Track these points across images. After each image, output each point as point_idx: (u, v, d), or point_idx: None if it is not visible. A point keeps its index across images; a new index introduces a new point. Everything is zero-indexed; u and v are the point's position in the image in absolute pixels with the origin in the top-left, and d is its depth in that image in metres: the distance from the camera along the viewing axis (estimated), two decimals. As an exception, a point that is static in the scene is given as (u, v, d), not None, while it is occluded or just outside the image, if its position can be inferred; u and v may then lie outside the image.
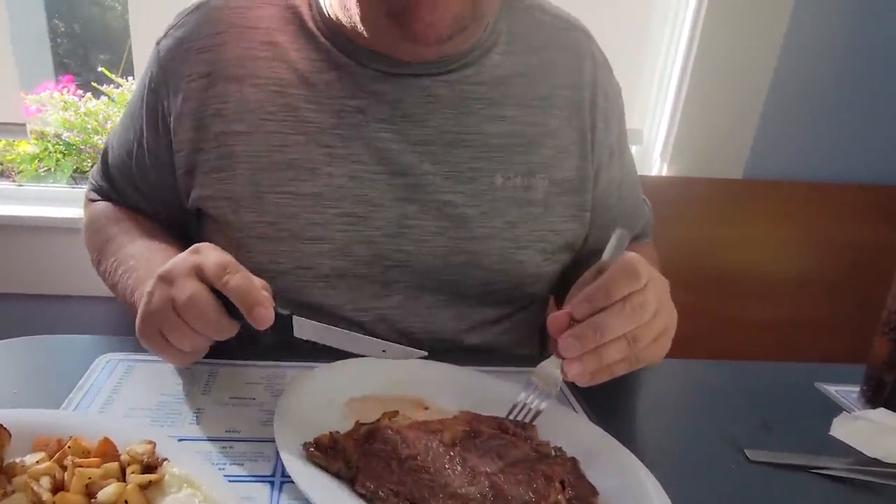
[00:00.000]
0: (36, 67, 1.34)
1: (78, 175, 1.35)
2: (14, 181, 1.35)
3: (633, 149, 1.22)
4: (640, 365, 0.49)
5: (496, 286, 0.66)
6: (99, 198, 0.76)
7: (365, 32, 0.58)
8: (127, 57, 1.34)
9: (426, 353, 0.50)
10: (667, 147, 1.16)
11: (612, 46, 1.05)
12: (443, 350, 0.60)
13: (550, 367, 0.50)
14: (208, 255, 0.49)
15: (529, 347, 0.77)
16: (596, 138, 0.68)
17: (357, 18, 0.57)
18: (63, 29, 1.63)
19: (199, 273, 0.48)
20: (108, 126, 1.28)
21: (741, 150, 1.16)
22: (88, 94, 1.33)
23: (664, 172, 1.17)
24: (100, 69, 1.34)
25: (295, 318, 0.49)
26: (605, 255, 0.51)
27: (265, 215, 0.61)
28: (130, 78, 1.33)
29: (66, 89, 1.34)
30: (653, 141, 1.20)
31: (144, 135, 0.67)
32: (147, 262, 0.60)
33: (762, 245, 1.18)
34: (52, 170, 1.34)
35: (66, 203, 1.24)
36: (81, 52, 1.73)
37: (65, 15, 1.61)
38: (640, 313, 0.47)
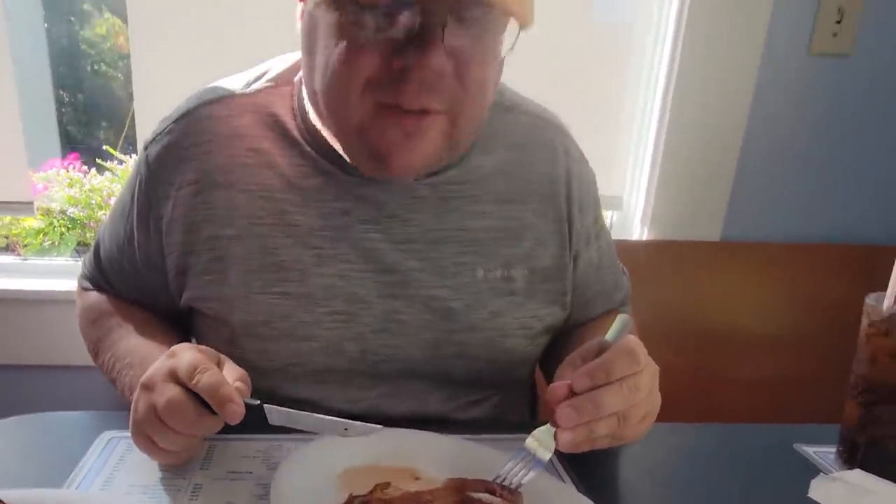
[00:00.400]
0: (43, 145, 1.39)
1: (81, 248, 1.39)
2: (19, 254, 1.38)
3: (615, 215, 1.29)
4: (621, 442, 0.53)
5: (483, 373, 0.69)
6: (91, 287, 0.78)
7: (349, 159, 0.62)
8: (130, 123, 1.40)
9: (381, 427, 0.53)
10: (647, 212, 1.21)
11: (589, 116, 1.12)
12: (433, 425, 0.62)
13: (545, 433, 0.52)
14: (182, 357, 0.52)
15: (519, 416, 0.79)
16: (573, 227, 0.71)
17: (340, 146, 0.62)
18: (67, 98, 1.71)
19: (174, 377, 0.51)
20: (112, 201, 1.33)
21: (716, 214, 1.20)
22: (93, 171, 1.38)
23: (645, 237, 1.22)
24: (104, 147, 1.40)
25: (265, 406, 0.52)
26: (608, 336, 0.55)
27: (257, 315, 0.64)
28: (134, 155, 1.39)
29: (71, 166, 1.39)
30: (633, 207, 1.24)
31: (135, 235, 0.69)
32: (142, 359, 0.62)
33: (743, 305, 1.22)
34: (56, 243, 1.38)
35: (70, 276, 1.27)
36: (84, 120, 1.80)
37: (69, 86, 1.68)
38: (634, 394, 0.51)
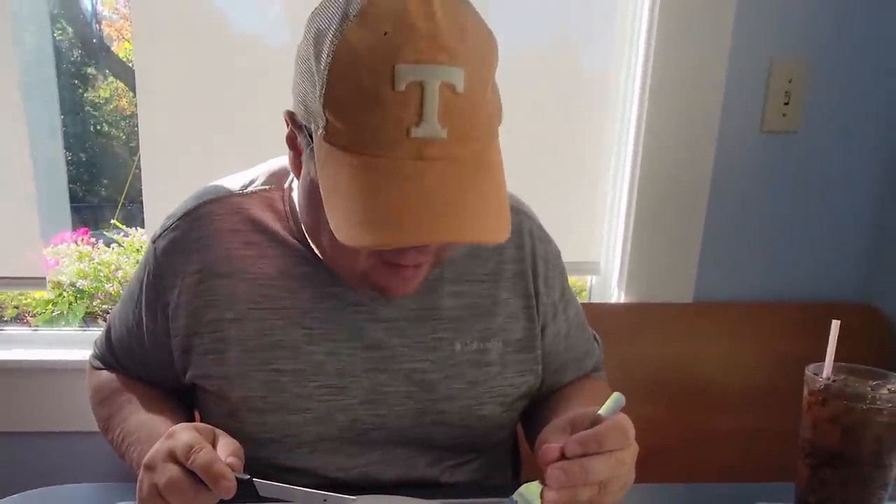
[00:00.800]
0: (55, 219, 1.47)
1: (89, 318, 1.45)
2: (28, 323, 1.45)
3: (594, 279, 1.36)
4: None
5: (464, 439, 0.75)
6: (102, 366, 0.85)
7: (348, 283, 0.72)
8: (131, 181, 1.48)
9: (356, 498, 0.58)
10: (622, 276, 1.28)
11: (566, 188, 1.21)
12: (421, 490, 0.69)
13: (533, 489, 0.57)
14: (179, 437, 0.58)
15: (503, 477, 0.85)
16: (539, 301, 0.79)
17: (339, 274, 0.71)
18: (70, 157, 1.80)
19: (172, 457, 0.56)
20: (119, 275, 1.40)
21: (688, 277, 1.28)
22: (102, 245, 1.46)
23: (622, 299, 1.29)
24: (112, 221, 1.48)
25: (255, 481, 0.57)
26: (602, 411, 0.59)
27: (254, 391, 0.70)
28: (140, 229, 1.47)
29: (81, 239, 1.47)
30: (609, 271, 1.32)
31: (144, 319, 0.76)
32: (148, 435, 0.68)
33: (717, 362, 1.28)
34: (65, 313, 1.45)
35: (78, 345, 1.33)
36: (86, 178, 1.89)
37: (73, 146, 1.78)
38: (619, 467, 0.56)
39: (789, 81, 1.21)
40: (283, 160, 0.78)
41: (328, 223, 0.57)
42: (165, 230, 0.75)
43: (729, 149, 1.24)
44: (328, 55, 0.55)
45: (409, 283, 0.66)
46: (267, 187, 0.76)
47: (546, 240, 0.83)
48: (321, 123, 0.57)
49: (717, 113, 1.20)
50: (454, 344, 0.74)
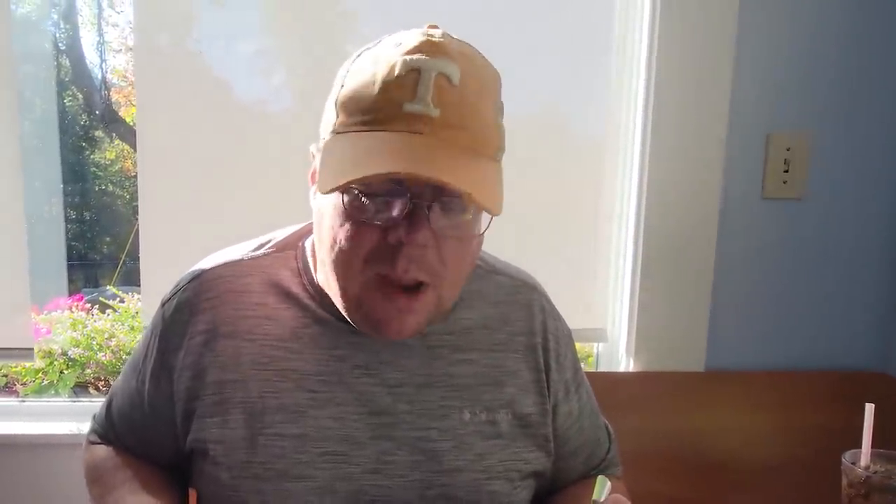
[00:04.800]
0: (49, 286, 1.52)
1: (79, 388, 1.48)
2: (16, 392, 1.47)
3: (601, 346, 1.40)
4: None
5: None
6: (99, 441, 0.87)
7: (348, 319, 0.73)
8: (133, 239, 1.52)
9: None
10: (630, 344, 1.32)
11: (568, 249, 1.26)
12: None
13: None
14: None
15: None
16: (551, 377, 0.81)
17: (341, 308, 0.72)
18: (74, 216, 1.88)
19: None
20: (112, 343, 1.44)
21: (698, 344, 1.31)
22: (97, 312, 1.50)
23: (631, 368, 1.32)
24: (108, 288, 1.53)
25: None
26: (595, 496, 0.63)
27: (255, 455, 0.72)
28: (136, 295, 1.51)
29: (75, 306, 1.52)
30: (617, 338, 1.36)
31: (147, 385, 0.78)
32: None
33: (734, 434, 1.29)
34: (55, 382, 1.47)
35: (68, 417, 1.34)
36: (89, 236, 1.97)
37: (76, 205, 1.86)
38: None
39: (788, 150, 1.29)
40: (295, 227, 0.84)
41: (329, 238, 0.67)
42: (175, 293, 0.78)
43: (732, 214, 1.30)
44: (350, 63, 0.70)
45: (403, 315, 0.67)
46: (276, 249, 0.80)
47: (557, 317, 0.86)
48: (333, 123, 0.68)
49: (717, 179, 1.27)
50: (462, 412, 0.75)
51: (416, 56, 0.64)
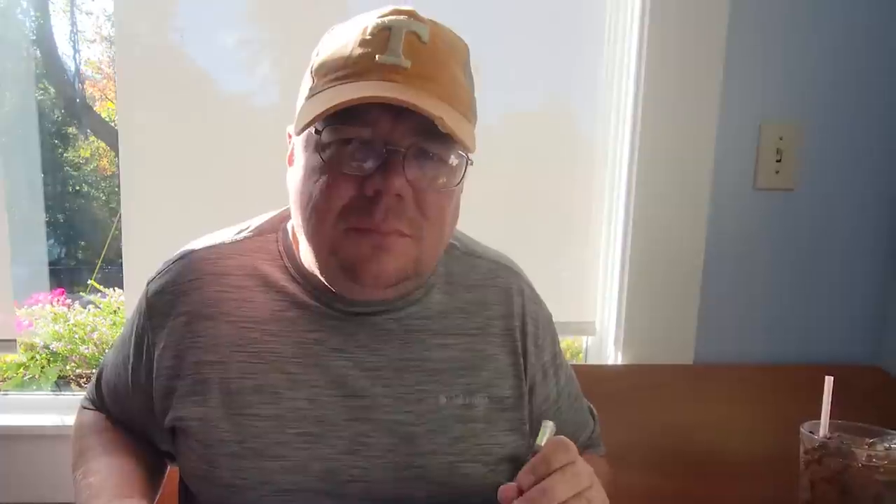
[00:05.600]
0: (31, 279, 1.51)
1: (62, 382, 1.47)
2: (-3, 388, 1.46)
3: (589, 340, 1.40)
4: None
5: (442, 498, 0.77)
6: (92, 407, 0.91)
7: (325, 280, 0.74)
8: (111, 243, 1.51)
9: None
10: (619, 337, 1.32)
11: (558, 242, 1.26)
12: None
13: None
14: None
15: None
16: (528, 361, 0.82)
17: (318, 269, 0.74)
18: (48, 218, 1.85)
19: None
20: (95, 336, 1.43)
21: (687, 337, 1.31)
22: (78, 307, 1.49)
23: (619, 361, 1.32)
24: (89, 282, 1.52)
25: None
26: (538, 441, 0.65)
27: (233, 435, 0.73)
28: (118, 289, 1.51)
29: (56, 300, 1.51)
30: (605, 331, 1.36)
31: (131, 359, 0.81)
32: (102, 481, 0.74)
33: (724, 427, 1.29)
34: (37, 377, 1.47)
35: (50, 411, 1.34)
36: (63, 239, 1.93)
37: (50, 206, 1.82)
38: (577, 480, 0.62)
39: (780, 139, 1.28)
40: (275, 212, 0.85)
41: (304, 199, 0.69)
42: (158, 274, 0.81)
43: (723, 205, 1.29)
44: (323, 38, 0.73)
45: (380, 254, 0.67)
46: (258, 233, 0.82)
47: (537, 301, 0.87)
48: (308, 90, 0.70)
49: (709, 170, 1.26)
50: (439, 397, 0.77)
51: (387, 17, 0.67)
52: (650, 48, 1.24)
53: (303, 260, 0.77)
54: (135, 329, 0.81)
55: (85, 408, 0.91)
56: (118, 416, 0.87)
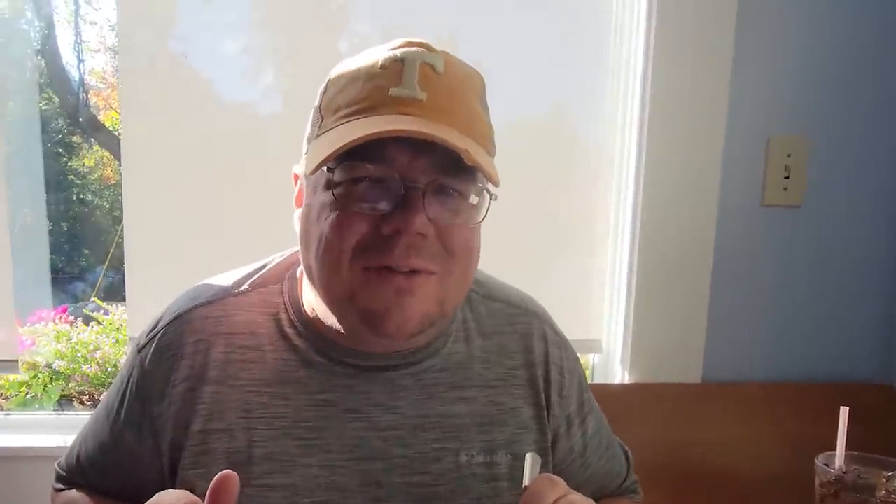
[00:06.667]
0: (34, 297, 1.51)
1: (64, 401, 1.47)
2: (0, 406, 1.47)
3: (595, 358, 1.39)
4: None
5: None
6: (64, 487, 0.84)
7: (342, 330, 0.69)
8: (114, 251, 1.51)
9: None
10: (625, 355, 1.30)
11: (563, 257, 1.25)
12: None
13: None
14: (164, 498, 0.58)
15: None
16: (551, 412, 0.78)
17: (332, 319, 0.68)
18: (51, 227, 1.84)
19: None
20: (98, 355, 1.43)
21: (695, 355, 1.30)
22: (80, 324, 1.49)
23: (626, 380, 1.31)
24: (92, 300, 1.52)
25: None
26: (525, 481, 0.60)
27: None
28: (121, 306, 1.50)
29: (59, 318, 1.51)
30: (612, 349, 1.34)
31: (125, 438, 0.74)
32: None
33: (733, 447, 1.27)
34: (39, 395, 1.47)
35: (52, 431, 1.34)
36: (67, 248, 1.93)
37: (54, 215, 1.82)
38: None
39: (788, 156, 1.27)
40: (279, 255, 0.81)
41: (315, 240, 0.64)
42: (152, 336, 0.74)
43: (730, 222, 1.28)
44: (329, 76, 0.69)
45: (403, 298, 0.62)
46: (264, 284, 0.77)
47: (562, 345, 0.82)
48: (317, 127, 0.67)
49: (715, 186, 1.25)
50: (459, 455, 0.72)
51: (398, 50, 0.64)
52: (656, 60, 1.22)
53: (310, 310, 0.73)
54: (126, 402, 0.74)
55: (58, 490, 0.84)
56: (111, 487, 0.79)
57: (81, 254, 1.94)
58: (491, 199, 0.66)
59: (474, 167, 0.61)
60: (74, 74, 2.04)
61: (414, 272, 0.63)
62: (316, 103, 0.70)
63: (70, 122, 2.06)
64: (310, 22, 1.26)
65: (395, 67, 0.63)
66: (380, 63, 0.64)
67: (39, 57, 1.89)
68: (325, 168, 0.63)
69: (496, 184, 0.63)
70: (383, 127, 0.59)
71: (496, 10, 1.26)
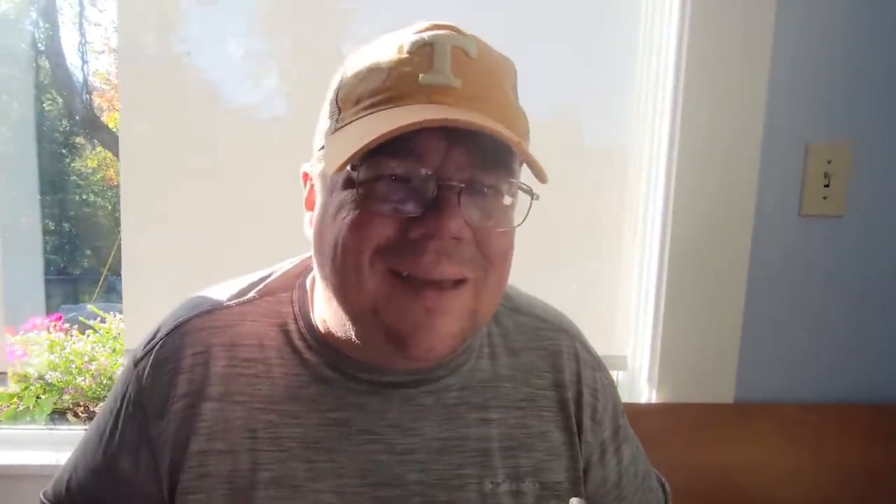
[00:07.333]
0: (26, 305, 1.45)
1: (56, 416, 1.41)
2: (-11, 419, 1.40)
3: (620, 375, 1.31)
4: None
5: None
6: None
7: (360, 342, 0.62)
8: (116, 253, 1.46)
9: None
10: (653, 373, 1.23)
11: (587, 268, 1.20)
12: None
13: None
14: None
15: None
16: (583, 438, 0.72)
17: (353, 335, 0.62)
18: (53, 227, 1.80)
19: None
20: (93, 367, 1.36)
21: (728, 373, 1.23)
22: (76, 333, 1.43)
23: (653, 399, 1.24)
24: (88, 306, 1.46)
25: None
26: None
27: None
28: (118, 315, 1.44)
29: (53, 326, 1.45)
30: (638, 367, 1.27)
31: (119, 461, 0.67)
32: None
33: (767, 471, 1.21)
34: (31, 408, 1.40)
35: (44, 447, 1.28)
36: (68, 248, 1.89)
37: (55, 216, 1.78)
38: None
39: (828, 163, 1.20)
40: (287, 262, 0.75)
41: (331, 245, 0.58)
42: (150, 348, 0.68)
43: (766, 232, 1.22)
44: (344, 65, 0.63)
45: (434, 318, 0.57)
46: (271, 292, 0.71)
47: (596, 365, 0.77)
48: (334, 120, 0.60)
49: (751, 194, 1.19)
50: (483, 482, 0.67)
51: (426, 33, 0.59)
52: (689, 58, 1.16)
53: (321, 322, 0.67)
54: (122, 422, 0.68)
55: None
56: None
57: (84, 255, 1.90)
58: (532, 199, 0.61)
59: (508, 163, 0.57)
60: (78, 76, 2.01)
61: (446, 283, 0.57)
62: (331, 95, 0.63)
63: (73, 124, 2.04)
64: (313, 23, 1.22)
65: (424, 52, 0.57)
66: (405, 47, 0.58)
67: (44, 58, 1.85)
68: (349, 167, 0.56)
69: (545, 181, 0.57)
70: (420, 116, 0.52)
71: (521, 12, 1.22)
